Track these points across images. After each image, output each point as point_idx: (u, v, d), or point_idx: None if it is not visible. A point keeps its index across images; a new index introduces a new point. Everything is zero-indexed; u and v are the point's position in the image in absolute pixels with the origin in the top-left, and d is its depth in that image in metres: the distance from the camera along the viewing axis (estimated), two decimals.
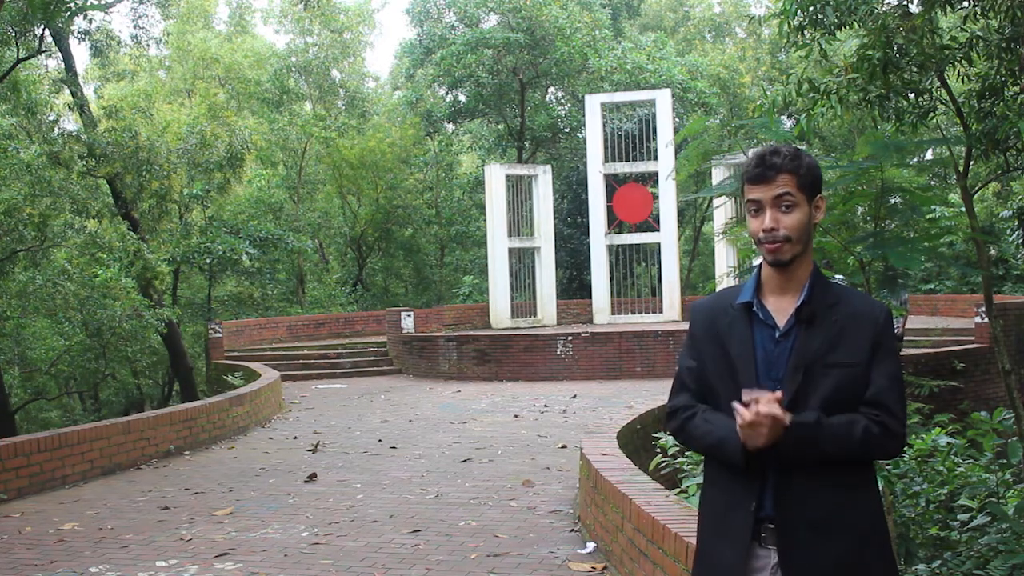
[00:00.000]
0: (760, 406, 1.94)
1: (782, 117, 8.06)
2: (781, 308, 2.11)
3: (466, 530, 5.78)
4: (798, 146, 2.23)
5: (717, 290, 2.35)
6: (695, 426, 2.15)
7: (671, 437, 2.32)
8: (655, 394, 10.49)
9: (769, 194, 2.06)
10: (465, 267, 30.53)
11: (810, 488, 2.01)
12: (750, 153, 2.14)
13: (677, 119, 23.18)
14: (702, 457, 2.70)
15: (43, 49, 19.35)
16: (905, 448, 5.67)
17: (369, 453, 8.90)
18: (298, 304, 28.37)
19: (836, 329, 2.06)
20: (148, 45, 25.68)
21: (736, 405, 1.99)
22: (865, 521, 2.04)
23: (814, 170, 2.10)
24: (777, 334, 2.09)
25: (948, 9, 7.04)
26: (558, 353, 15.77)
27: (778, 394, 1.96)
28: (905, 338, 13.18)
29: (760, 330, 2.11)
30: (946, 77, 7.52)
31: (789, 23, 7.17)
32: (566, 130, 28.39)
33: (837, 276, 7.05)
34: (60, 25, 18.71)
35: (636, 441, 7.71)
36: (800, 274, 2.11)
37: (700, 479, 4.46)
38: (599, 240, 19.90)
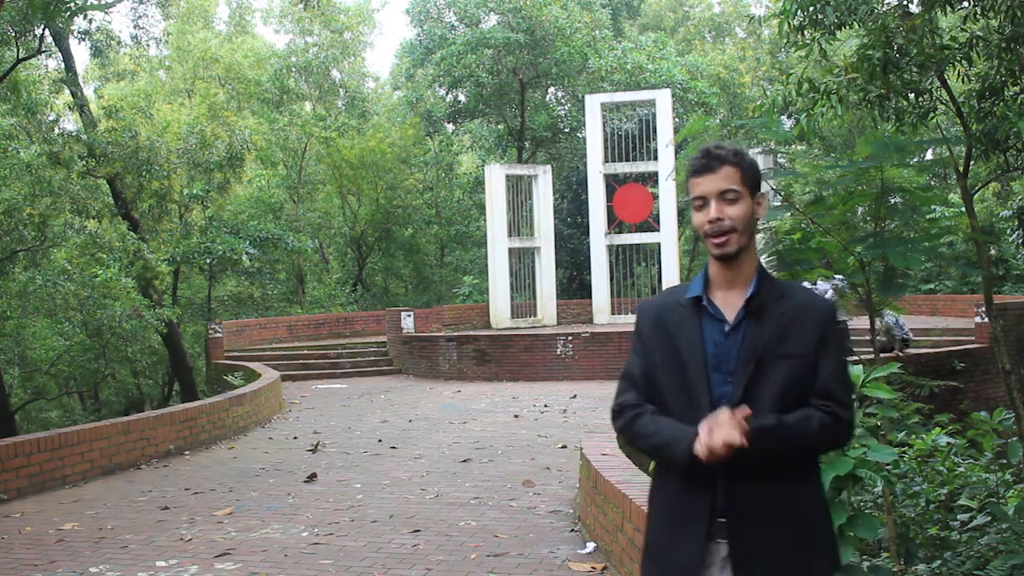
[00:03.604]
0: (725, 434, 1.95)
1: (782, 117, 8.05)
2: (729, 303, 2.15)
3: (466, 530, 5.78)
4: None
5: None
6: (643, 425, 2.16)
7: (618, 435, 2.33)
8: None
9: (713, 187, 2.11)
10: (465, 267, 30.51)
11: (759, 482, 2.06)
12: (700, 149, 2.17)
13: (677, 119, 23.18)
14: None
15: (43, 49, 19.35)
16: (904, 450, 5.68)
17: (369, 453, 8.90)
18: (298, 304, 28.37)
19: (784, 321, 2.10)
20: (148, 45, 25.76)
21: (700, 430, 2.00)
22: (810, 512, 2.11)
23: (756, 167, 2.17)
24: (727, 328, 2.13)
25: (948, 9, 7.04)
26: (558, 353, 15.77)
27: (745, 410, 1.98)
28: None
29: (709, 324, 2.14)
30: (946, 77, 7.52)
31: (789, 23, 7.17)
32: (566, 130, 28.38)
33: (837, 276, 7.04)
34: (60, 25, 18.70)
35: None
36: (746, 269, 2.15)
37: None
38: (599, 240, 19.89)
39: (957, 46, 7.05)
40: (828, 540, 2.15)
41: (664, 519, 2.18)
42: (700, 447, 1.99)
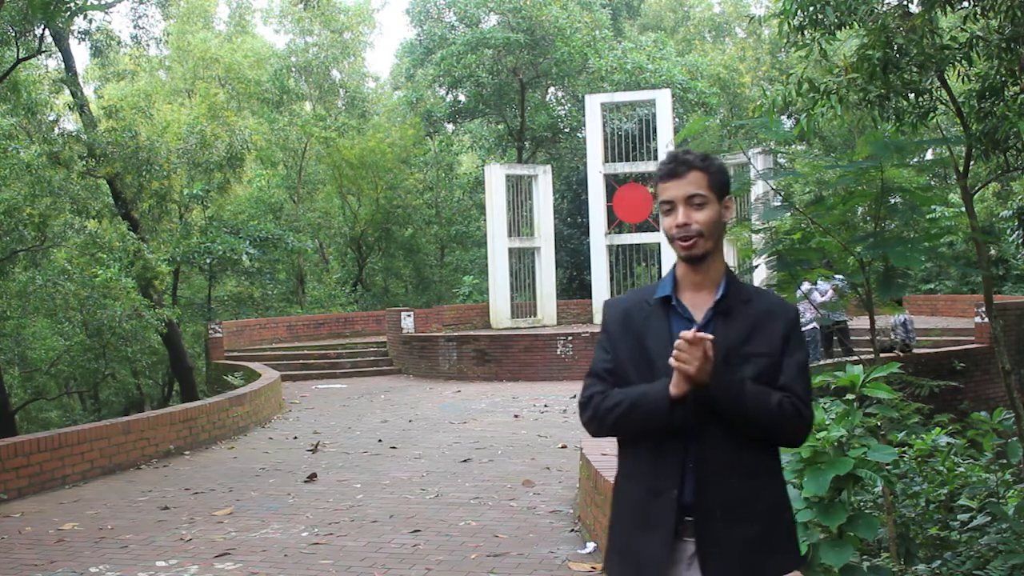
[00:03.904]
0: (697, 333, 2.03)
1: (782, 117, 8.06)
2: (697, 303, 2.20)
3: (466, 530, 5.78)
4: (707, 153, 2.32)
5: None
6: (611, 397, 2.18)
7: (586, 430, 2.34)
8: None
9: (681, 192, 2.15)
10: (465, 267, 30.52)
11: (726, 475, 2.11)
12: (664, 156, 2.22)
13: (677, 119, 23.18)
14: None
15: (43, 49, 19.33)
16: (904, 450, 5.68)
17: (369, 453, 8.90)
18: (298, 304, 28.36)
19: (751, 322, 2.17)
20: (148, 45, 25.71)
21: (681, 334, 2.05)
22: (773, 507, 2.17)
23: (724, 172, 2.21)
24: (695, 327, 2.16)
25: (948, 9, 7.05)
26: (558, 353, 15.77)
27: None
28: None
29: (678, 323, 2.19)
30: (946, 77, 7.52)
31: (789, 23, 7.17)
32: (566, 130, 28.38)
33: (837, 276, 7.04)
34: (60, 25, 18.69)
35: None
36: (714, 271, 2.20)
37: None
38: (599, 240, 19.90)
39: (957, 46, 7.05)
40: (791, 537, 2.21)
41: (631, 518, 2.20)
42: (674, 384, 2.04)
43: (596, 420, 2.21)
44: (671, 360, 2.04)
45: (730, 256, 17.85)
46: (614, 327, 2.26)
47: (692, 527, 2.11)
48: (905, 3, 7.26)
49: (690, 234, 2.14)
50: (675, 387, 2.05)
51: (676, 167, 2.16)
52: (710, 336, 2.02)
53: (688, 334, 2.02)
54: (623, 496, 2.25)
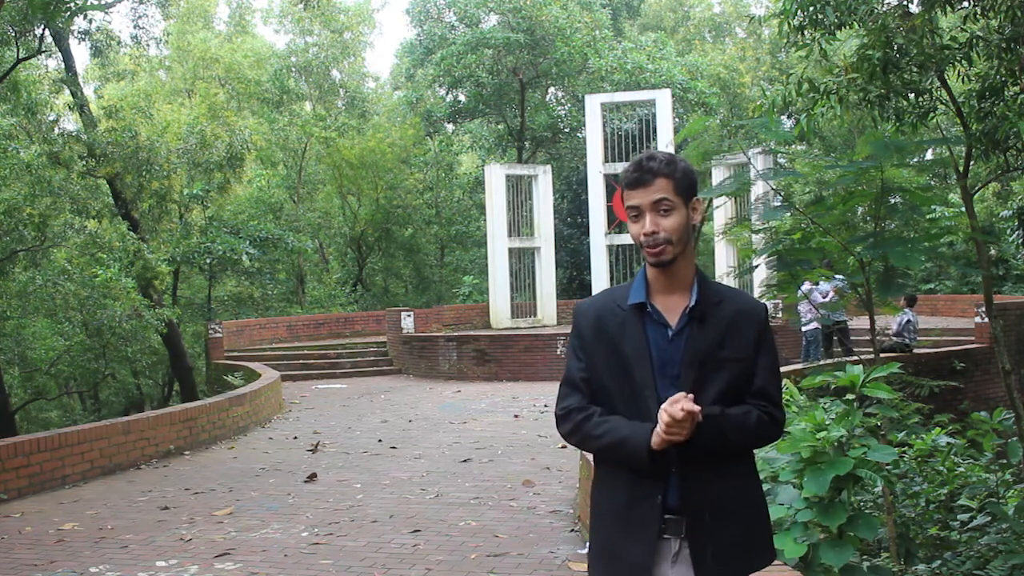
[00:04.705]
0: (684, 403, 2.01)
1: (782, 117, 8.07)
2: (670, 307, 2.18)
3: (466, 530, 5.78)
4: (673, 152, 2.30)
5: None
6: (594, 425, 2.17)
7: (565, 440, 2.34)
8: None
9: (647, 199, 2.13)
10: (465, 267, 30.51)
11: (709, 481, 2.14)
12: (629, 162, 2.20)
13: (677, 119, 23.18)
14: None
15: (43, 49, 19.33)
16: (904, 450, 5.67)
17: (369, 453, 8.90)
18: (298, 304, 28.37)
19: (724, 325, 2.16)
20: (148, 45, 25.70)
21: (663, 407, 2.03)
22: (752, 507, 2.22)
23: (690, 174, 2.17)
24: (670, 333, 2.16)
25: (948, 9, 7.05)
26: (558, 353, 15.77)
27: (690, 396, 2.04)
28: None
29: (653, 329, 2.17)
30: (946, 77, 7.52)
31: (789, 23, 7.18)
32: (566, 130, 28.38)
33: (837, 276, 7.03)
34: (60, 25, 18.68)
35: None
36: (684, 274, 2.19)
37: None
38: (599, 240, 19.91)
39: (957, 46, 7.05)
40: (768, 534, 2.27)
41: (613, 520, 2.20)
42: (656, 438, 2.04)
43: (575, 437, 2.22)
44: (658, 429, 2.03)
45: (730, 256, 17.94)
46: (587, 333, 2.23)
47: (675, 525, 2.13)
48: (905, 3, 7.26)
49: (658, 241, 2.12)
50: (657, 445, 2.06)
51: (641, 176, 2.13)
52: (698, 408, 2.01)
53: (678, 413, 1.99)
54: (603, 499, 2.25)
